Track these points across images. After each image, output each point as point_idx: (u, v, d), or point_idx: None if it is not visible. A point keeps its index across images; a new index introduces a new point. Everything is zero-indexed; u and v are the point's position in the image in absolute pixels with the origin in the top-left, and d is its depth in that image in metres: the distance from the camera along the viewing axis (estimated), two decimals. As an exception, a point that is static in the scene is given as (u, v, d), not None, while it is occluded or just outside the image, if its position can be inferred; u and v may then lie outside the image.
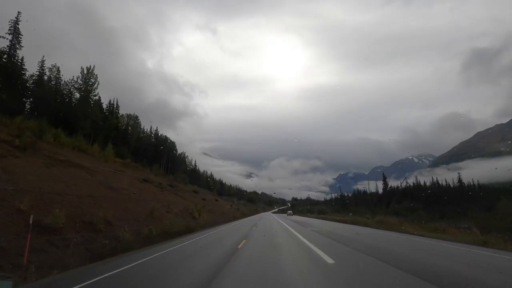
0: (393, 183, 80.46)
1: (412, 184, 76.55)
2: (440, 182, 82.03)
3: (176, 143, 77.74)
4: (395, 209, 53.05)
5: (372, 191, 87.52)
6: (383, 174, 71.14)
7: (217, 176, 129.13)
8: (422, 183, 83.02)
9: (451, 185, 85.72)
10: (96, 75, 41.36)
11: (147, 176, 38.08)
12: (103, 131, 42.71)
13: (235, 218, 44.51)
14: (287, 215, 73.12)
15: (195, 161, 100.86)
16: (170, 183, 45.86)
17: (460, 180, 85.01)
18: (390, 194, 67.82)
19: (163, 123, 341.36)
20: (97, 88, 41.57)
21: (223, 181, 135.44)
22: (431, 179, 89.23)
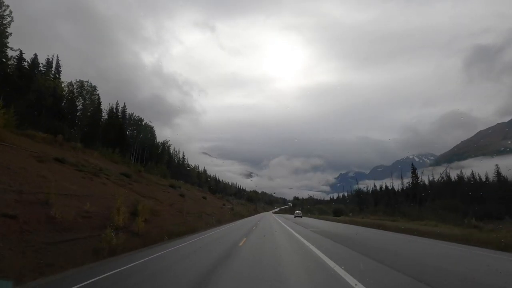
0: (395, 182, 68.15)
1: (445, 178, 62.59)
2: (476, 177, 68.15)
3: (154, 127, 63.77)
4: (435, 208, 38.95)
5: (386, 187, 74.99)
6: (412, 165, 56.91)
7: (217, 176, 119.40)
8: (454, 177, 69.09)
9: (483, 180, 73.51)
10: (8, 5, 27.25)
11: (71, 157, 24.04)
12: (23, 95, 28.63)
13: (220, 223, 30.41)
14: (295, 216, 57.12)
15: (183, 153, 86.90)
16: (127, 172, 31.86)
17: (498, 174, 72.10)
18: (423, 190, 53.71)
19: (161, 121, 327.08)
20: (9, 27, 27.40)
21: (219, 179, 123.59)
22: (459, 173, 76.85)
